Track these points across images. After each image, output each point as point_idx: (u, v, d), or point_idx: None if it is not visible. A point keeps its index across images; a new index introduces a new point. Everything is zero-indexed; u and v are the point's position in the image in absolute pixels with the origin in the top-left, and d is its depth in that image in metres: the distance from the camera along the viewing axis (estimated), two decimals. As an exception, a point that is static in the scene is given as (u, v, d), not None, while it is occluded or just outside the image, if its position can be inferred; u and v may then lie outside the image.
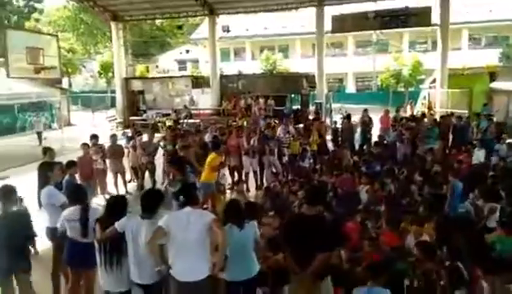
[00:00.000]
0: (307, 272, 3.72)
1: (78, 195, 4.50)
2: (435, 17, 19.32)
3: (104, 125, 22.10)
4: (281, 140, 10.60)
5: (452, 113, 13.89)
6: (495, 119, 15.20)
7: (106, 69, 31.38)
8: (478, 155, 9.47)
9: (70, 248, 4.35)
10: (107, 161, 9.60)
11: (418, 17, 19.51)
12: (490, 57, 30.10)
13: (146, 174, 9.99)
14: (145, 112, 23.23)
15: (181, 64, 41.72)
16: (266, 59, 32.44)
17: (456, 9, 26.32)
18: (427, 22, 19.66)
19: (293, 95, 23.31)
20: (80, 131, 19.60)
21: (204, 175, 7.53)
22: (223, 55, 37.28)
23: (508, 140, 10.86)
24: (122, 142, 10.53)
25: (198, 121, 19.79)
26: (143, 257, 3.73)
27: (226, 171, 10.53)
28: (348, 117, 13.25)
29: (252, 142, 10.17)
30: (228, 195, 10.20)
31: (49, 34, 25.42)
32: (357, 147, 13.04)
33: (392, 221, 6.25)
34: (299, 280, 3.81)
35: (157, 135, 11.31)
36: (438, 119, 12.83)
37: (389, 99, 29.42)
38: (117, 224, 3.77)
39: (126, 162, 10.20)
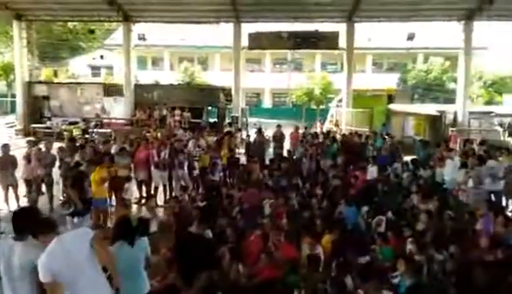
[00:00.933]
0: (192, 290, 3.76)
1: None
2: (343, 42, 20.89)
3: (1, 132, 20.05)
4: (192, 153, 10.55)
5: (356, 132, 15.01)
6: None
7: (7, 70, 28.57)
8: (372, 171, 10.36)
9: None
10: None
11: (327, 41, 20.94)
12: (390, 81, 33.40)
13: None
14: (49, 119, 21.54)
15: (95, 69, 39.67)
16: (184, 70, 32.22)
17: (363, 36, 28.82)
18: (334, 46, 21.19)
19: (210, 108, 23.41)
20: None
21: (93, 191, 7.17)
22: (140, 64, 36.24)
23: (404, 159, 12.04)
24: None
25: (109, 131, 18.87)
26: (18, 282, 3.45)
27: (134, 185, 10.22)
28: (259, 131, 13.64)
29: (162, 155, 9.99)
30: (135, 210, 9.92)
31: None
32: (267, 161, 13.49)
33: (291, 235, 6.58)
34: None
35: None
36: (341, 138, 13.78)
37: (302, 115, 30.99)
38: None
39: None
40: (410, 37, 22.13)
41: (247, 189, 8.94)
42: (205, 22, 22.51)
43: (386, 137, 14.22)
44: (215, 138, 13.11)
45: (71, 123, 20.22)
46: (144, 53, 35.42)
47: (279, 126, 14.78)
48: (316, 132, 14.02)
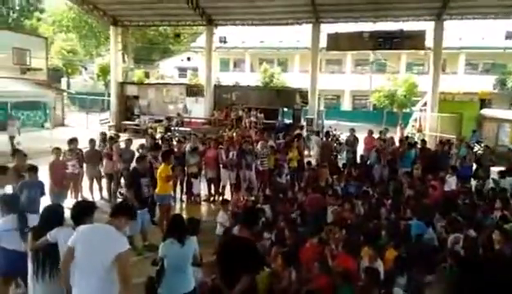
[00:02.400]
0: (233, 292, 3.77)
1: (11, 205, 4.53)
2: (430, 41, 19.52)
3: (97, 127, 22.20)
4: (259, 154, 10.63)
5: (441, 141, 13.88)
6: (482, 145, 15.28)
7: (105, 72, 31.60)
8: (450, 182, 9.51)
9: (6, 257, 4.35)
10: (84, 165, 9.68)
11: (412, 40, 19.69)
12: (485, 83, 30.38)
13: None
14: (138, 117, 23.35)
15: (182, 71, 42.05)
16: (264, 71, 32.66)
17: (455, 34, 26.66)
18: (420, 46, 19.87)
19: (286, 110, 23.47)
20: (72, 132, 19.67)
21: (158, 187, 7.56)
22: (223, 65, 37.71)
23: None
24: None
25: (188, 129, 19.86)
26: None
27: (204, 183, 10.63)
28: (327, 134, 13.30)
29: (230, 155, 10.24)
30: (204, 207, 10.31)
31: (38, 36, 25.65)
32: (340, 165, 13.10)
33: (350, 245, 6.30)
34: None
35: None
36: (420, 144, 12.87)
37: (383, 118, 29.58)
38: (49, 235, 3.81)
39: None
40: (509, 36, 19.85)
41: (311, 194, 8.76)
42: (284, 24, 22.56)
43: (476, 145, 12.96)
44: (283, 140, 13.05)
45: (156, 121, 21.68)
46: (226, 55, 36.69)
47: (352, 130, 14.28)
48: (391, 137, 13.23)
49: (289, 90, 23.88)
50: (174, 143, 11.74)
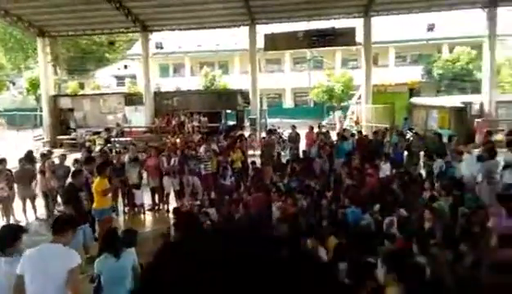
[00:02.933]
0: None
1: None
2: (361, 37, 20.49)
3: (30, 145, 20.86)
4: (202, 158, 10.60)
5: (375, 131, 14.58)
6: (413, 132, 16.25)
7: (35, 85, 29.83)
8: (384, 169, 10.08)
9: None
10: (15, 186, 9.10)
11: (344, 37, 20.56)
12: (414, 73, 32.45)
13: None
14: (74, 130, 22.30)
15: (120, 79, 40.73)
16: (205, 75, 32.54)
17: (384, 29, 28.18)
18: (352, 42, 20.80)
19: (229, 112, 23.56)
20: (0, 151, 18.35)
21: (95, 201, 7.32)
22: (162, 71, 37.05)
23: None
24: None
25: (129, 139, 19.28)
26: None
27: (147, 193, 10.41)
28: (269, 132, 13.56)
29: (172, 162, 10.11)
30: (149, 216, 10.11)
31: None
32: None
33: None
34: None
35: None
36: (357, 136, 13.50)
37: (323, 113, 30.64)
38: None
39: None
40: (431, 28, 21.45)
41: (255, 193, 8.88)
42: (221, 27, 22.63)
43: (408, 132, 13.76)
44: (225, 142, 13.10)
45: (95, 133, 20.81)
46: (165, 61, 36.09)
47: (293, 126, 14.68)
48: (327, 131, 13.75)
49: (230, 92, 24.00)
50: (114, 154, 11.36)
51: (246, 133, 18.74)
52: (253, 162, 12.36)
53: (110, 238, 4.22)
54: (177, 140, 16.59)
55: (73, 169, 8.97)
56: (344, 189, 9.21)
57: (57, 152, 14.32)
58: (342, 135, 12.62)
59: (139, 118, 22.13)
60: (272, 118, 27.60)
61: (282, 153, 14.54)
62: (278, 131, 18.63)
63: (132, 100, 22.88)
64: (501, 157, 8.78)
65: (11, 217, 8.98)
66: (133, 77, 37.45)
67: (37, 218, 9.43)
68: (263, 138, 14.78)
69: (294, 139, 14.42)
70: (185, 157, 10.27)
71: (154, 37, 22.90)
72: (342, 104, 30.21)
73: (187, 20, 20.89)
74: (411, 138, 13.66)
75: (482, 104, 20.18)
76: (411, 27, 30.99)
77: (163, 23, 21.52)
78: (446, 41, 32.14)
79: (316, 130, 14.59)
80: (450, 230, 6.36)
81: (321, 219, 7.63)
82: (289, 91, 38.70)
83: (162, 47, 22.53)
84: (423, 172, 10.59)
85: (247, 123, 22.28)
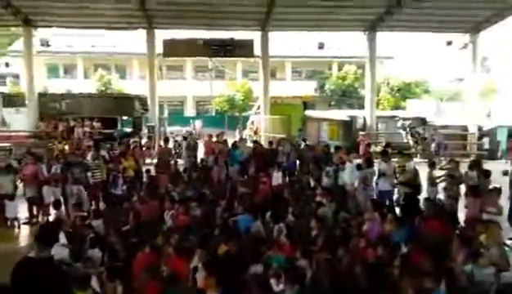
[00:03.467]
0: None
1: None
2: (259, 50, 21.22)
3: None
4: (89, 165, 9.87)
5: (270, 141, 15.13)
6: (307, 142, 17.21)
7: None
8: (277, 177, 10.52)
9: None
10: None
11: (242, 49, 21.11)
12: (309, 88, 34.73)
13: None
14: None
15: (0, 78, 36.23)
16: (100, 78, 30.64)
17: (282, 43, 29.67)
18: (250, 54, 21.45)
19: (126, 118, 22.46)
20: None
21: None
22: (51, 72, 33.95)
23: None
24: None
25: (8, 145, 17.17)
26: None
27: (23, 204, 9.33)
28: (165, 140, 13.27)
29: (53, 169, 9.22)
30: (24, 231, 9.05)
31: None
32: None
33: (181, 248, 6.31)
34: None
35: None
36: (252, 145, 13.91)
37: (225, 122, 30.99)
38: None
39: None
40: (321, 47, 23.14)
41: (147, 202, 8.54)
42: (116, 28, 21.58)
43: (302, 142, 14.54)
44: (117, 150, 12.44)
45: (-36, 139, 18.11)
46: (54, 60, 33.15)
47: (190, 134, 14.56)
48: (225, 140, 13.92)
49: (126, 97, 22.92)
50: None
51: (143, 141, 18.07)
52: (148, 171, 11.91)
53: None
54: (66, 147, 15.31)
55: None
56: (238, 196, 9.36)
57: None
58: (233, 144, 12.88)
59: (21, 121, 19.85)
60: (174, 126, 27.09)
61: (179, 162, 14.30)
62: (177, 139, 18.37)
63: (12, 100, 20.45)
64: (377, 166, 9.78)
65: None
66: (16, 76, 33.59)
67: None
68: (160, 146, 14.32)
69: (193, 147, 14.29)
70: (68, 164, 9.44)
71: (41, 33, 20.84)
72: (243, 114, 30.94)
73: (78, 17, 19.48)
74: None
75: (365, 119, 22.34)
76: (305, 44, 33.19)
77: (50, 18, 19.70)
78: (336, 59, 35.13)
79: (214, 139, 14.65)
80: (331, 235, 6.82)
81: (214, 227, 7.59)
82: (191, 100, 38.42)
83: (49, 45, 20.48)
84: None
85: (145, 130, 21.45)
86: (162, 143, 13.83)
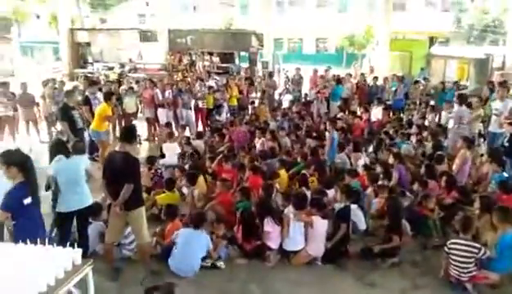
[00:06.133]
0: (117, 202, 4.17)
1: None
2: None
3: (49, 76, 21.55)
4: (197, 94, 10.84)
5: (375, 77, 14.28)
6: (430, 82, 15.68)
7: (57, 19, 30.05)
8: (376, 113, 10.10)
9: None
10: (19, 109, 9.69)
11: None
12: (445, 22, 30.75)
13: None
14: (92, 65, 22.75)
15: (141, 17, 40.48)
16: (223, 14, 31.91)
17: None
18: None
19: (243, 53, 23.32)
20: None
21: (93, 124, 7.80)
22: (183, 9, 36.49)
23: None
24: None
25: (142, 75, 19.60)
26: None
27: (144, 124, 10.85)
28: (269, 75, 13.58)
29: (166, 94, 10.40)
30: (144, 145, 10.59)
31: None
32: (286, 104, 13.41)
33: (255, 167, 6.72)
34: (113, 209, 4.27)
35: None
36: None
37: (343, 60, 29.90)
38: None
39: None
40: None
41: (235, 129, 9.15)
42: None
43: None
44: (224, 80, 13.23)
45: (110, 68, 21.20)
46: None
47: (298, 69, 14.61)
48: (332, 75, 13.64)
49: (244, 33, 23.51)
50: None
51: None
52: (252, 102, 12.60)
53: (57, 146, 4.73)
54: (189, 80, 16.81)
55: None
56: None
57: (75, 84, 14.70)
58: (337, 79, 12.52)
59: (154, 54, 22.24)
60: (291, 64, 27.15)
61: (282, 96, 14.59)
62: (286, 74, 18.57)
63: (147, 36, 22.89)
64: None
65: (16, 137, 9.65)
66: (153, 15, 37.04)
67: (40, 141, 10.07)
68: (263, 79, 14.71)
69: (297, 81, 14.41)
70: (179, 90, 10.54)
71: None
72: (362, 51, 29.27)
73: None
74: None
75: (504, 57, 19.19)
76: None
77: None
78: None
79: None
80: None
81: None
82: (312, 37, 37.52)
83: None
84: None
85: (259, 66, 22.08)
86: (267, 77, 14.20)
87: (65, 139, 6.50)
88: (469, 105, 8.55)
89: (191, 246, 4.57)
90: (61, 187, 4.49)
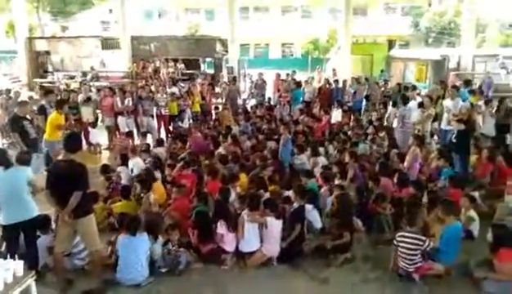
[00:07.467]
0: (65, 211, 4.09)
1: None
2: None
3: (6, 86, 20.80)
4: (158, 100, 10.75)
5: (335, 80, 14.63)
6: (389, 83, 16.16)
7: (14, 27, 29.07)
8: (336, 115, 10.35)
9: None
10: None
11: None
12: (403, 26, 31.90)
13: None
14: (52, 74, 22.11)
15: (105, 24, 39.73)
16: (189, 21, 31.84)
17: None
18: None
19: (208, 59, 23.33)
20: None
21: (46, 133, 7.61)
22: (147, 16, 36.17)
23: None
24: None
25: (105, 84, 19.23)
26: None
27: (104, 132, 10.65)
28: (233, 80, 13.67)
29: (126, 102, 10.27)
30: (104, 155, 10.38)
31: None
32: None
33: (214, 171, 6.74)
34: (61, 218, 4.19)
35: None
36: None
37: (308, 64, 30.38)
38: None
39: None
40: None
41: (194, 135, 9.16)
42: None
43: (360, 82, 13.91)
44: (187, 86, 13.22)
45: (71, 77, 20.68)
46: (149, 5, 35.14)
47: (261, 73, 14.79)
48: (293, 79, 13.87)
49: (208, 39, 23.55)
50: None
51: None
52: (217, 107, 12.64)
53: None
54: (152, 88, 16.63)
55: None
56: (293, 133, 9.52)
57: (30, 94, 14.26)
58: (297, 83, 12.78)
59: (116, 62, 21.91)
60: (257, 69, 27.34)
61: (247, 101, 14.72)
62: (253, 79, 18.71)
63: (109, 44, 22.52)
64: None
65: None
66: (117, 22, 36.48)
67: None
68: (227, 84, 14.79)
69: (261, 86, 14.56)
70: (139, 98, 10.43)
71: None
72: (327, 55, 29.85)
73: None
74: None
75: (459, 58, 20.08)
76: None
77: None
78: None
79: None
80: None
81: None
82: (277, 42, 38.00)
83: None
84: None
85: (224, 72, 22.14)
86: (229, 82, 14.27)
87: (18, 150, 6.32)
88: (421, 105, 8.93)
89: (133, 253, 4.54)
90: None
